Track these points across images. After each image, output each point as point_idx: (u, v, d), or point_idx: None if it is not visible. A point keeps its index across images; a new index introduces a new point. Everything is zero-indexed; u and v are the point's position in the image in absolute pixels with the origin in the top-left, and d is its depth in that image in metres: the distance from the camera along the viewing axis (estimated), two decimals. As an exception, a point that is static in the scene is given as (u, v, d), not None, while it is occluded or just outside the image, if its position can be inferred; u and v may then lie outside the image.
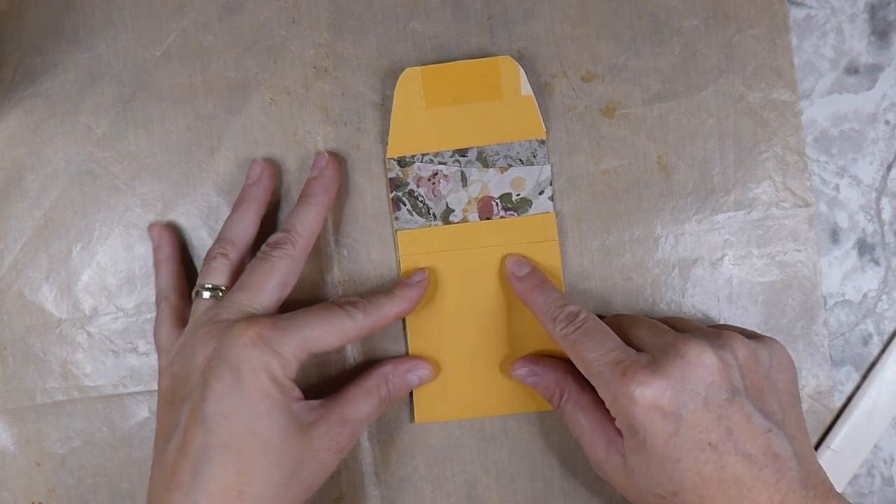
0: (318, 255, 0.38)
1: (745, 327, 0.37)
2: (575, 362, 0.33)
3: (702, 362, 0.30)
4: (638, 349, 0.32)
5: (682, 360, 0.30)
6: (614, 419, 0.32)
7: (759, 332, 0.37)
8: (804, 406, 0.37)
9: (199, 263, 0.39)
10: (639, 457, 0.31)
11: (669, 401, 0.30)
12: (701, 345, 0.30)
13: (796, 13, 0.38)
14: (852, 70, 0.38)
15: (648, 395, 0.30)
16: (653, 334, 0.33)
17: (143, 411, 0.38)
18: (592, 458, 0.34)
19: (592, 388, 0.33)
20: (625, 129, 0.38)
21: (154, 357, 0.38)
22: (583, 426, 0.34)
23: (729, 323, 0.38)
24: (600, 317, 0.34)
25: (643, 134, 0.38)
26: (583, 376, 0.33)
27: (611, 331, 0.33)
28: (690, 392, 0.30)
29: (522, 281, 0.36)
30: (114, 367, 0.39)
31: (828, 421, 0.38)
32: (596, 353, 0.32)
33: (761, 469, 0.29)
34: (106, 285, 0.39)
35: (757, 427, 0.30)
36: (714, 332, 0.32)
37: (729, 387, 0.30)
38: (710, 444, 0.29)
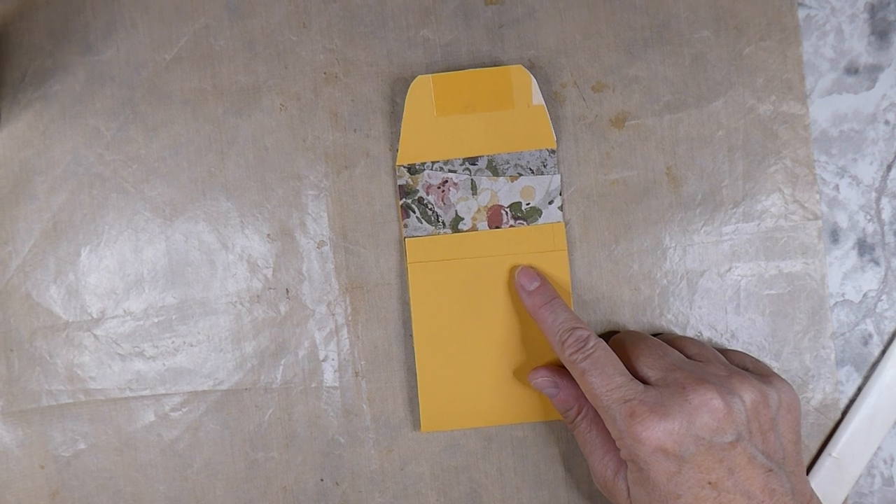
0: (325, 261, 0.38)
1: (756, 333, 0.38)
2: (582, 388, 0.33)
3: (708, 408, 0.31)
4: (644, 380, 0.33)
5: (689, 405, 0.31)
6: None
7: (770, 351, 0.37)
8: (810, 420, 0.38)
9: (209, 270, 0.38)
10: (641, 489, 0.32)
11: (674, 444, 0.30)
12: (710, 390, 0.31)
13: (796, 13, 0.38)
14: (852, 70, 0.38)
15: (654, 437, 0.30)
16: (661, 366, 0.33)
17: (149, 415, 0.38)
18: (600, 477, 0.34)
19: None
20: (634, 139, 0.38)
21: (160, 361, 0.38)
22: (595, 446, 0.34)
23: (737, 333, 0.38)
24: (610, 333, 0.34)
25: (652, 145, 0.38)
26: None
27: (619, 361, 0.33)
28: (695, 436, 0.30)
29: (532, 296, 0.36)
30: (120, 370, 0.38)
31: (829, 427, 0.38)
32: (604, 388, 0.32)
33: None
34: (114, 289, 0.39)
35: (758, 467, 0.31)
36: (724, 374, 0.33)
37: (734, 430, 0.31)
38: (710, 482, 0.30)
